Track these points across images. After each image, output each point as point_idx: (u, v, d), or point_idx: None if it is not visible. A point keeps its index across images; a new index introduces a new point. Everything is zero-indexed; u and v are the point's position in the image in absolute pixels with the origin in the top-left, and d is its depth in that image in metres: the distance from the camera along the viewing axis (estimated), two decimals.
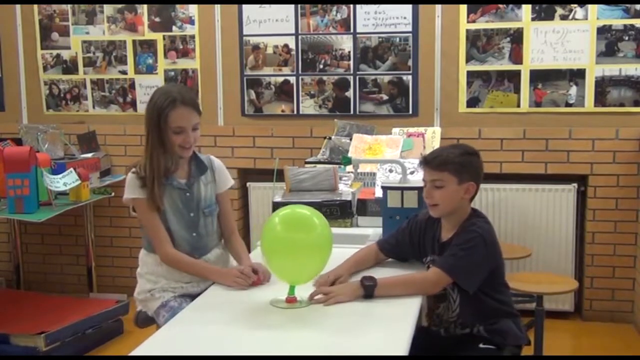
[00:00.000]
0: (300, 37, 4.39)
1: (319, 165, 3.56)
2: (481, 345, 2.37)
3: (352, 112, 4.37)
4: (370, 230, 2.95)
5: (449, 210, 2.37)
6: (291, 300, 2.20)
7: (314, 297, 2.21)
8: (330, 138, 4.11)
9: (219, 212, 2.71)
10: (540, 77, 4.13)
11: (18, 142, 4.39)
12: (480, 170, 2.41)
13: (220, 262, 2.70)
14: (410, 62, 4.27)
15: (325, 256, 2.21)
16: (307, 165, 3.66)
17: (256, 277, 2.39)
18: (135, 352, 1.87)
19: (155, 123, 2.51)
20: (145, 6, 4.56)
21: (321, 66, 4.38)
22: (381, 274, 2.39)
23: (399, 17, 4.24)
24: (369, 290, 2.22)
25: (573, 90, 4.11)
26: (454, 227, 2.38)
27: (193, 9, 4.50)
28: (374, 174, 3.41)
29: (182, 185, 2.59)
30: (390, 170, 3.32)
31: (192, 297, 2.50)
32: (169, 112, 2.48)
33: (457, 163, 2.34)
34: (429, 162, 2.38)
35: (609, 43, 4.03)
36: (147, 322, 2.70)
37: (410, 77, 4.28)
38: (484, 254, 2.31)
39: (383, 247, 2.56)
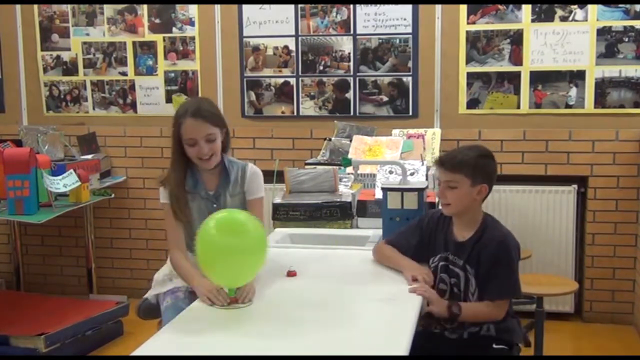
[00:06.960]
0: (300, 38, 4.39)
1: (319, 167, 3.55)
2: (495, 346, 2.41)
3: (352, 113, 4.37)
4: (370, 231, 2.94)
5: (460, 209, 2.42)
6: (233, 300, 2.19)
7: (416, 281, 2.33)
8: (330, 139, 4.11)
9: None
10: (540, 78, 4.13)
11: (18, 143, 4.39)
12: (494, 173, 2.48)
13: None
14: (410, 64, 4.27)
15: (261, 259, 2.20)
16: (307, 167, 3.65)
17: (228, 300, 2.20)
18: (135, 354, 1.86)
19: (175, 134, 2.58)
20: (145, 7, 4.56)
21: (321, 67, 4.38)
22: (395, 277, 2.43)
23: (399, 19, 4.24)
24: (454, 317, 2.36)
25: (573, 91, 4.11)
26: (467, 226, 2.44)
27: (193, 11, 4.51)
28: (374, 175, 3.41)
29: (209, 197, 2.63)
30: (390, 172, 3.32)
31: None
32: (181, 123, 2.55)
33: (471, 165, 2.38)
34: (443, 163, 2.42)
35: (609, 44, 4.03)
36: (149, 313, 2.74)
37: (410, 78, 4.28)
38: (517, 261, 2.43)
39: (396, 245, 2.55)
